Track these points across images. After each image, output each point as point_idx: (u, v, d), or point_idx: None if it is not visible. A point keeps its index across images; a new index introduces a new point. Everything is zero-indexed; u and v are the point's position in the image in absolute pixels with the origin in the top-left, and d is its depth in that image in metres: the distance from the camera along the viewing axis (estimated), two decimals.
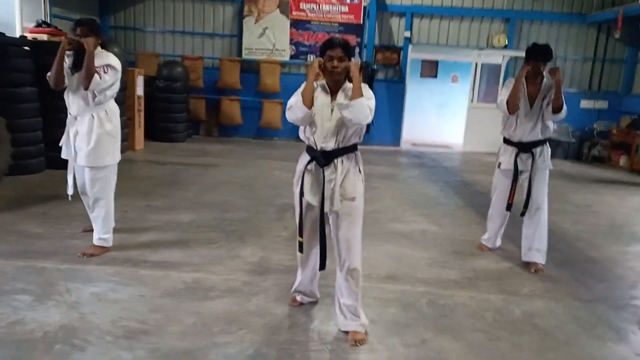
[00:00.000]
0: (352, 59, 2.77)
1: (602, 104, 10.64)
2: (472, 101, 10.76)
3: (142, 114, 8.61)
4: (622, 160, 9.60)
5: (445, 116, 12.87)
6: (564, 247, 4.68)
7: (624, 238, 5.13)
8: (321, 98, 2.75)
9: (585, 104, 10.62)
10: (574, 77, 10.66)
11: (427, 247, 4.43)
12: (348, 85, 2.75)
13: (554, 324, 3.13)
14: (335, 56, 2.67)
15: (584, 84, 10.69)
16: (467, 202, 6.22)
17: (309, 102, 2.65)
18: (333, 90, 2.77)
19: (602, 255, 4.54)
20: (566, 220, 5.62)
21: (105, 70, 3.63)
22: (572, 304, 3.45)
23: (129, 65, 8.79)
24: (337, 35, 9.96)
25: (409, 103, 11.06)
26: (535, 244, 3.98)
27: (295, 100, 2.69)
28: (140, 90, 8.48)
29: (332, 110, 2.72)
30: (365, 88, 2.69)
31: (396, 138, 10.82)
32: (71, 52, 3.65)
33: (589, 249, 4.69)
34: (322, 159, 2.75)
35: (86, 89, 3.56)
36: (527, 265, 4.04)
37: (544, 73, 3.88)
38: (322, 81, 2.80)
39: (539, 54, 3.80)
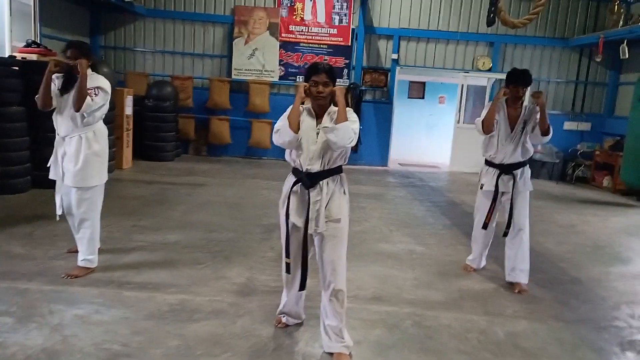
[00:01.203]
0: (337, 83, 2.84)
1: (585, 126, 10.85)
2: (458, 122, 10.93)
3: (131, 133, 8.62)
4: (606, 181, 9.76)
5: (432, 136, 13.03)
6: (547, 267, 4.74)
7: (607, 258, 5.20)
8: (307, 122, 2.80)
9: (568, 125, 10.83)
10: (557, 99, 10.89)
11: (414, 268, 4.45)
12: (333, 108, 2.81)
13: (537, 345, 3.16)
14: (320, 81, 2.74)
15: (567, 106, 10.92)
16: (454, 222, 6.28)
17: (295, 127, 2.70)
18: (318, 114, 2.83)
19: (586, 275, 4.60)
20: (550, 240, 5.69)
21: (96, 93, 3.66)
22: (555, 325, 3.49)
23: (118, 85, 8.83)
24: (325, 59, 10.15)
25: (397, 123, 11.18)
26: (518, 265, 4.03)
27: (282, 124, 2.74)
28: (129, 110, 8.49)
29: (317, 133, 2.77)
30: (349, 112, 2.75)
31: (384, 158, 10.91)
32: (60, 74, 3.68)
33: (572, 269, 4.75)
34: (308, 180, 2.79)
35: (77, 110, 3.59)
36: (511, 285, 4.08)
37: (524, 97, 3.98)
38: (308, 105, 2.86)
39: (518, 79, 3.92)
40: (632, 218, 7.37)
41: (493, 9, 3.58)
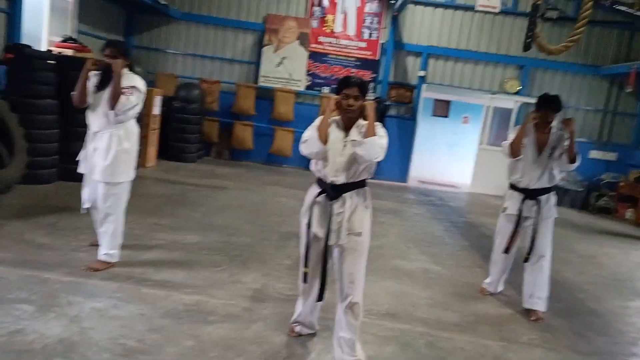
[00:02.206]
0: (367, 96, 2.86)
1: (611, 156, 10.68)
2: (481, 143, 10.86)
3: (157, 132, 8.77)
4: (628, 214, 9.57)
5: (454, 156, 12.94)
6: (566, 297, 4.66)
7: (626, 292, 5.10)
8: (335, 133, 2.82)
9: (594, 154, 10.67)
10: (585, 127, 10.73)
11: (429, 287, 4.42)
12: (362, 122, 2.83)
13: None
14: (351, 95, 2.76)
15: (594, 134, 10.77)
16: (472, 243, 6.22)
17: (324, 138, 2.72)
18: (347, 127, 2.85)
19: (604, 308, 4.51)
20: (570, 270, 5.60)
21: (131, 92, 3.75)
22: (571, 356, 3.43)
23: (148, 85, 8.95)
24: (352, 72, 10.21)
25: (419, 140, 11.15)
26: (537, 292, 3.97)
27: (310, 134, 2.76)
28: (156, 110, 8.65)
29: (344, 145, 2.79)
30: (378, 127, 2.77)
31: (404, 174, 10.88)
32: (98, 72, 3.78)
33: (590, 300, 4.66)
34: (332, 192, 2.80)
35: (112, 109, 3.69)
36: (528, 312, 4.02)
37: (554, 122, 3.95)
38: (337, 117, 2.88)
39: (549, 104, 3.89)
40: None
41: (531, 34, 3.57)
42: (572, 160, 3.84)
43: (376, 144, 2.68)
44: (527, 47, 3.79)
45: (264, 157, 10.78)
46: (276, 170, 10.27)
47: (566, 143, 3.83)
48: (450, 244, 6.13)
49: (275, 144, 10.51)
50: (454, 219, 7.65)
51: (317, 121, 2.80)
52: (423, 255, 5.42)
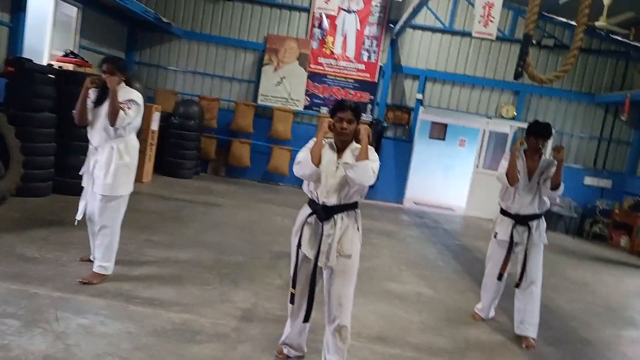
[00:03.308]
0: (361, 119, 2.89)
1: (606, 183, 10.74)
2: (477, 166, 10.91)
3: (154, 148, 8.79)
4: (623, 241, 9.59)
5: (450, 178, 13.00)
6: (557, 324, 4.63)
7: (619, 321, 5.07)
8: (328, 155, 2.84)
9: (589, 181, 10.73)
10: (580, 154, 10.83)
11: (420, 311, 4.40)
12: (355, 145, 2.85)
13: None
14: (345, 118, 2.80)
15: (589, 161, 10.84)
16: (465, 268, 6.21)
17: (317, 161, 2.75)
18: (340, 149, 2.87)
19: (596, 337, 4.48)
20: (562, 297, 5.58)
21: (129, 106, 3.80)
22: None
23: (147, 101, 9.01)
24: (350, 93, 10.32)
25: (415, 162, 11.22)
26: (527, 318, 3.96)
27: (303, 156, 2.79)
28: (155, 125, 8.69)
29: (337, 167, 2.81)
30: (371, 151, 2.79)
31: (400, 196, 10.90)
32: (96, 88, 3.84)
33: (582, 329, 4.64)
34: (323, 213, 2.81)
35: (112, 125, 3.74)
36: (519, 338, 4.00)
37: (543, 149, 4.00)
38: (331, 139, 2.91)
39: (539, 131, 3.94)
40: None
41: (522, 63, 3.62)
42: (556, 187, 3.86)
43: (368, 167, 2.71)
44: (517, 76, 3.84)
45: (260, 175, 10.81)
46: (272, 188, 10.28)
47: (553, 169, 3.86)
48: (443, 267, 6.11)
49: (272, 162, 10.54)
50: (447, 242, 7.64)
51: (311, 143, 2.82)
52: (415, 278, 5.40)
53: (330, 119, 2.84)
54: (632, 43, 9.68)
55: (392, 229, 7.96)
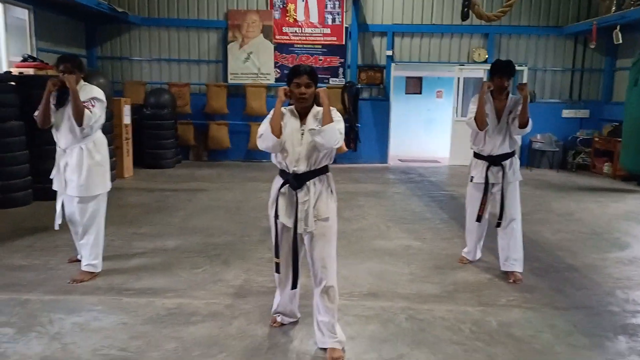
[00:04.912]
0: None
1: (583, 113, 10.83)
2: (456, 116, 10.94)
3: (130, 142, 8.71)
4: (606, 168, 9.74)
5: (432, 131, 13.03)
6: (544, 256, 4.76)
7: (604, 245, 5.22)
8: (291, 123, 2.85)
9: (567, 113, 10.81)
10: (555, 88, 10.87)
11: (410, 263, 4.49)
12: (317, 109, 2.86)
13: (530, 333, 3.20)
14: (302, 83, 2.79)
15: (564, 94, 10.90)
16: (451, 215, 6.31)
17: (277, 131, 2.75)
18: (302, 115, 2.88)
19: (582, 263, 4.62)
20: (547, 229, 5.71)
21: (93, 104, 3.76)
22: (549, 312, 3.52)
23: (116, 95, 8.92)
24: (319, 59, 10.20)
25: (395, 120, 11.21)
26: (512, 254, 4.07)
27: (264, 129, 2.79)
28: (127, 119, 8.58)
29: (302, 134, 2.82)
30: (334, 112, 2.80)
31: (383, 155, 10.93)
32: (58, 90, 3.78)
33: (568, 257, 4.77)
34: (295, 182, 2.84)
35: (80, 125, 3.70)
36: (507, 275, 4.12)
37: (509, 88, 4.02)
38: (291, 107, 2.91)
39: (502, 70, 3.95)
40: (631, 203, 7.36)
41: (467, 2, 3.60)
42: (524, 125, 3.89)
43: (334, 129, 2.72)
44: (465, 17, 3.82)
45: (242, 155, 10.77)
46: (256, 166, 10.27)
47: (520, 108, 3.90)
48: (430, 218, 6.21)
49: (252, 140, 10.47)
50: (433, 194, 7.73)
51: (270, 114, 2.82)
52: (403, 232, 5.49)
53: (286, 87, 2.83)
54: None
55: (378, 189, 8.03)
